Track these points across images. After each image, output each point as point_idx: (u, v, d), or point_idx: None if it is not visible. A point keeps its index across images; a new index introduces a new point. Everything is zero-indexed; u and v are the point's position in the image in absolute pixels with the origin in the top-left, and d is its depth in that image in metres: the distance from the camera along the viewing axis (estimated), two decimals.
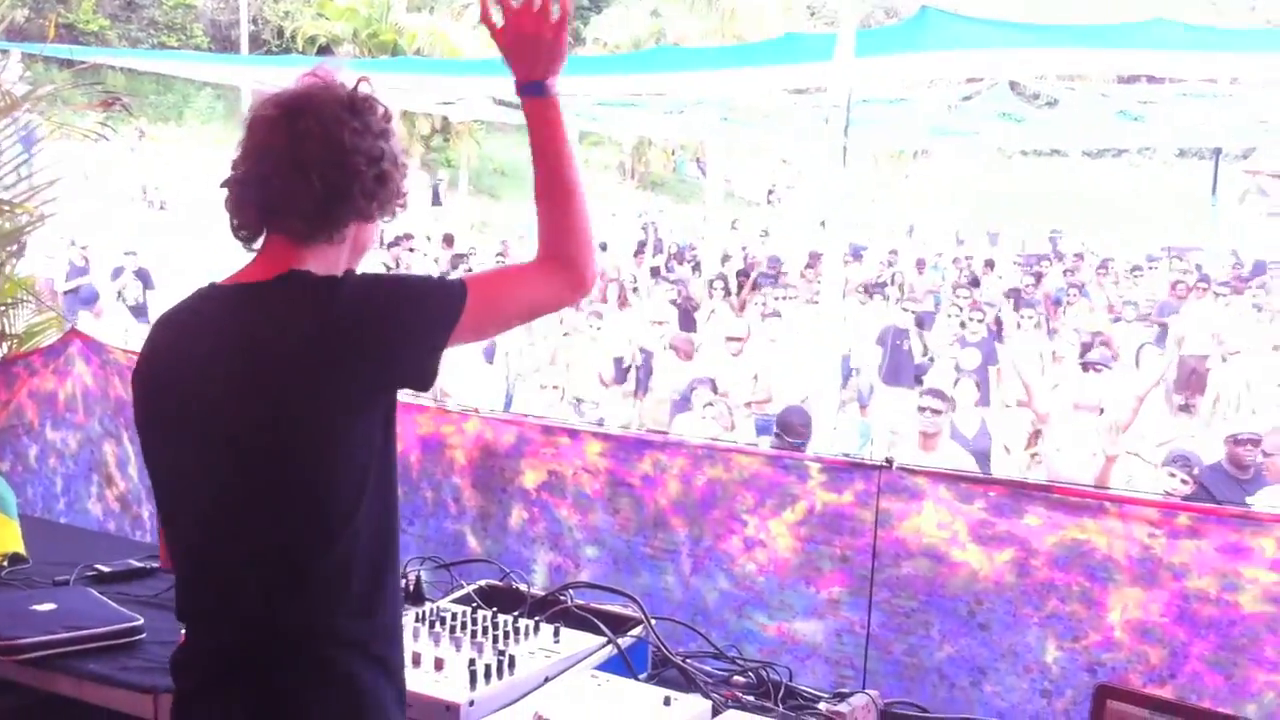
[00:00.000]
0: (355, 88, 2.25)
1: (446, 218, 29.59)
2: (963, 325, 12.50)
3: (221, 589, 2.19)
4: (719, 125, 16.65)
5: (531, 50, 2.36)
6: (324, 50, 31.72)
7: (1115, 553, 3.48)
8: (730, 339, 11.48)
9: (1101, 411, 8.12)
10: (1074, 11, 24.54)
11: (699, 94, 14.06)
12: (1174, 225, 30.74)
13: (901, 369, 12.56)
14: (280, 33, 34.69)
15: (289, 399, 2.09)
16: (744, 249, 25.31)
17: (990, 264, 22.30)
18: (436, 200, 31.68)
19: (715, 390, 9.32)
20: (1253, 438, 7.44)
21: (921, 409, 7.47)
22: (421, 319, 2.16)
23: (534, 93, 2.38)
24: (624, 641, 3.22)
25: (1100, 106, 13.74)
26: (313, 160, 2.15)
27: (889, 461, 3.84)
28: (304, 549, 2.13)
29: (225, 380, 2.13)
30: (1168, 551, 3.42)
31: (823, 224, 9.26)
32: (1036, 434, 9.44)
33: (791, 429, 7.78)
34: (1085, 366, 10.31)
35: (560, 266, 2.29)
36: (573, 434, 4.41)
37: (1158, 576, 3.43)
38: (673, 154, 39.30)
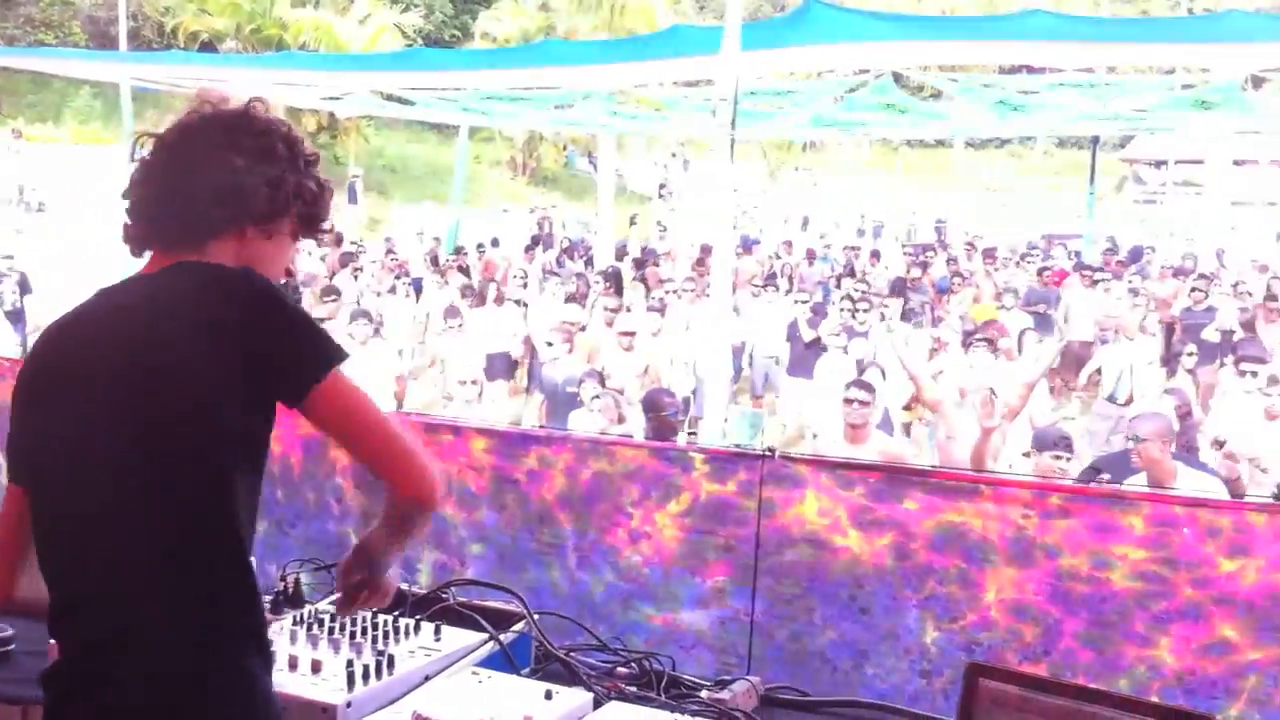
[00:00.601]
0: (242, 110, 2.31)
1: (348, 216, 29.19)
2: (852, 316, 12.66)
3: (102, 579, 2.13)
4: (609, 119, 16.64)
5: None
6: (206, 46, 31.08)
7: (991, 534, 3.56)
8: (621, 333, 11.48)
9: (993, 399, 8.24)
10: (956, 3, 24.97)
11: (588, 88, 14.03)
12: (1055, 213, 31.40)
13: (802, 360, 12.68)
14: (161, 29, 33.92)
15: (177, 382, 2.08)
16: (643, 244, 25.40)
17: (876, 255, 22.63)
18: (353, 199, 31.18)
19: (604, 384, 9.31)
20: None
21: (848, 400, 7.50)
22: (311, 348, 2.15)
23: None
24: (506, 637, 3.20)
25: (982, 97, 13.94)
26: (188, 185, 2.23)
27: (771, 451, 3.88)
28: (189, 536, 2.10)
29: (113, 363, 2.11)
30: (1041, 532, 3.50)
31: (714, 217, 9.30)
32: (915, 399, 9.64)
33: (659, 405, 7.80)
34: (967, 346, 10.48)
35: (418, 479, 2.19)
36: (456, 430, 4.38)
37: (1032, 556, 3.52)
38: (564, 149, 39.21)
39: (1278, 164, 46.42)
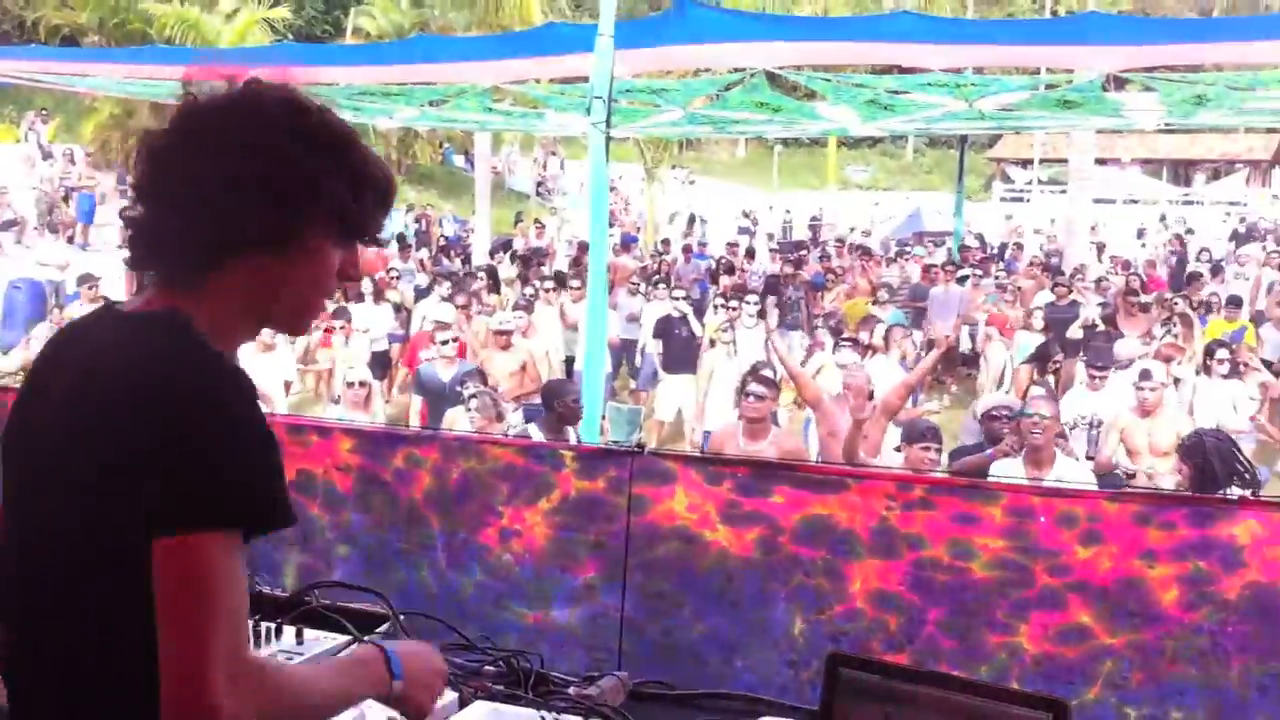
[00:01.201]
0: (233, 97, 1.85)
1: None
2: (729, 313, 12.76)
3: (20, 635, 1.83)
4: (484, 116, 16.51)
5: None
6: (68, 41, 30.17)
7: (856, 526, 3.60)
8: (496, 332, 11.42)
9: (871, 395, 8.35)
10: (830, 4, 25.30)
11: (463, 84, 13.91)
12: (926, 211, 32.08)
13: (681, 357, 12.73)
14: (21, 24, 32.86)
15: (91, 458, 1.69)
16: (524, 240, 25.34)
17: (751, 253, 22.87)
18: None
19: (485, 382, 9.26)
20: (1006, 412, 7.76)
21: (748, 394, 7.52)
22: (204, 491, 1.64)
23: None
24: (370, 639, 3.16)
25: (854, 97, 14.12)
26: (166, 209, 1.81)
27: (640, 447, 3.89)
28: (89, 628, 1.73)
29: (57, 424, 1.77)
30: (903, 523, 3.56)
31: (593, 215, 9.31)
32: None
33: (562, 393, 7.80)
34: (837, 345, 10.64)
35: (189, 703, 1.60)
36: (322, 431, 4.31)
37: (895, 547, 3.57)
38: (440, 146, 38.88)
39: (1138, 162, 48.05)
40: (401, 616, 3.35)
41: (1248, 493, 6.14)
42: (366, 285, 14.68)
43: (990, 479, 4.09)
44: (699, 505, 3.76)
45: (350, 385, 9.05)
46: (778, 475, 3.71)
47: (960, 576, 3.50)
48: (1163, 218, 36.75)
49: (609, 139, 9.46)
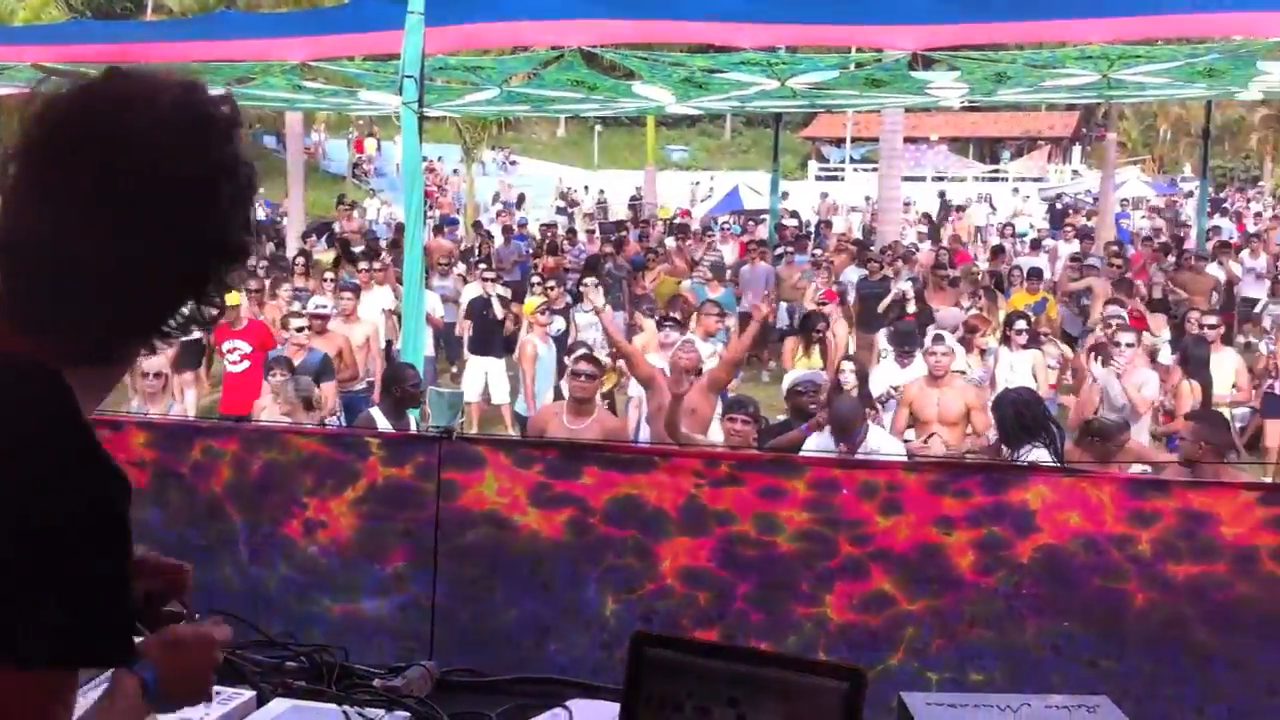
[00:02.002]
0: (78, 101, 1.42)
1: None
2: (547, 294, 12.73)
3: None
4: (293, 95, 16.08)
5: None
6: None
7: (665, 504, 3.61)
8: (314, 317, 11.15)
9: (699, 371, 8.40)
10: None
11: (269, 62, 13.52)
12: (744, 190, 32.51)
13: (486, 338, 12.63)
14: None
15: None
16: (338, 223, 24.80)
17: (572, 233, 22.87)
18: None
19: (293, 370, 9.02)
20: (810, 387, 7.93)
21: (575, 374, 7.48)
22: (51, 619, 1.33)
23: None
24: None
25: (670, 76, 14.18)
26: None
27: (448, 432, 3.83)
28: None
29: None
30: (712, 499, 3.58)
31: (407, 197, 9.16)
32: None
33: (402, 378, 7.67)
34: (661, 324, 10.69)
35: None
36: (114, 425, 4.12)
37: (704, 524, 3.59)
38: (251, 127, 37.79)
39: (946, 140, 49.59)
40: (198, 615, 3.23)
41: (1047, 453, 6.44)
42: None
43: (801, 453, 4.16)
44: (509, 489, 3.72)
45: (145, 376, 8.62)
46: (587, 456, 3.70)
47: (767, 550, 3.54)
48: (941, 195, 37.81)
49: (422, 118, 9.31)
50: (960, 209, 31.02)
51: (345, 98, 16.79)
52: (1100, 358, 8.69)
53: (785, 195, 35.56)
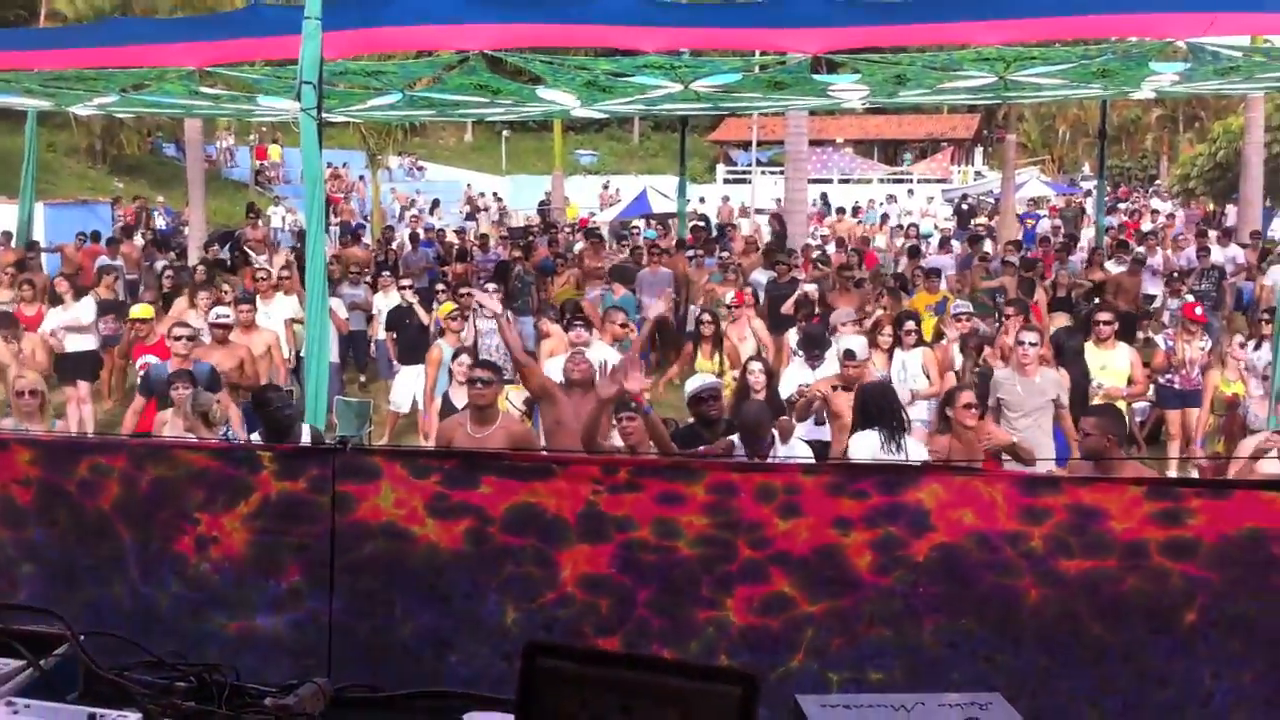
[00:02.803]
0: None
1: None
2: (458, 300, 12.62)
3: None
4: (190, 101, 15.81)
5: None
6: None
7: (564, 512, 3.58)
8: (214, 325, 10.95)
9: (593, 382, 8.33)
10: None
11: (166, 68, 13.29)
12: (652, 194, 32.55)
13: (414, 347, 12.50)
14: None
15: None
16: (237, 231, 24.38)
17: (484, 239, 22.71)
18: None
19: (194, 382, 8.83)
20: (710, 393, 7.86)
21: (473, 382, 7.37)
22: None
23: None
24: (48, 661, 2.94)
25: (574, 80, 14.18)
26: None
27: (343, 443, 3.77)
28: None
29: None
30: (611, 505, 3.55)
31: (308, 204, 9.05)
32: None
33: (264, 402, 7.50)
34: (569, 324, 10.65)
35: None
36: None
37: (603, 530, 3.57)
38: (149, 135, 37.06)
39: (851, 143, 50.14)
40: (82, 637, 3.14)
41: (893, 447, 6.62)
42: (62, 285, 13.87)
43: (695, 457, 4.16)
44: (406, 500, 3.66)
45: (20, 395, 8.33)
46: (484, 465, 3.66)
47: (667, 556, 3.53)
48: (823, 196, 38.04)
49: (322, 125, 9.19)
50: (840, 211, 31.29)
51: (244, 104, 16.54)
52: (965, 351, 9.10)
53: (703, 200, 35.79)
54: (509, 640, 3.62)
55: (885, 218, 32.66)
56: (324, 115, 10.39)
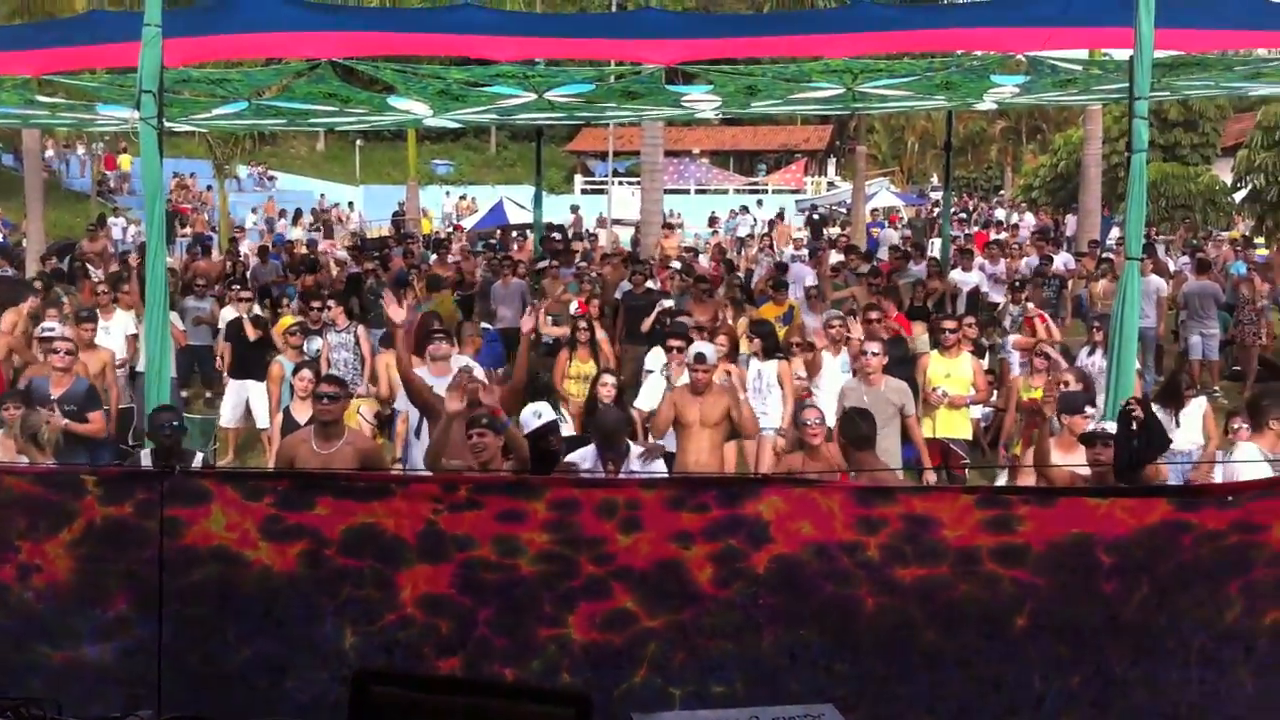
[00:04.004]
0: None
1: None
2: (305, 313, 12.36)
3: None
4: (26, 110, 15.22)
5: None
6: None
7: (403, 532, 3.52)
8: (40, 339, 10.52)
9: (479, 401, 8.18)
10: None
11: (4, 76, 12.76)
12: (509, 205, 32.38)
13: (249, 361, 12.18)
14: None
15: None
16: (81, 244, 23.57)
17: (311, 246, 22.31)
18: None
19: (27, 402, 8.47)
20: (548, 429, 7.68)
21: (319, 398, 7.14)
22: None
23: None
24: None
25: (425, 89, 14.01)
26: None
27: (171, 467, 3.65)
28: None
29: None
30: (451, 524, 3.50)
31: (148, 215, 8.75)
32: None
33: (159, 424, 7.22)
34: (430, 335, 10.49)
35: None
36: None
37: (444, 550, 3.51)
38: None
39: (707, 153, 50.63)
40: None
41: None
42: None
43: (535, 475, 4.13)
44: (238, 523, 3.56)
45: None
46: (320, 485, 3.57)
47: (509, 574, 3.49)
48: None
49: (162, 134, 8.93)
50: (668, 226, 31.30)
51: (84, 113, 15.98)
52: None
53: (576, 208, 35.79)
54: (348, 664, 3.54)
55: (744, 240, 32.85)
56: (166, 124, 10.10)
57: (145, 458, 7.33)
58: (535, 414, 7.11)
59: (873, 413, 7.59)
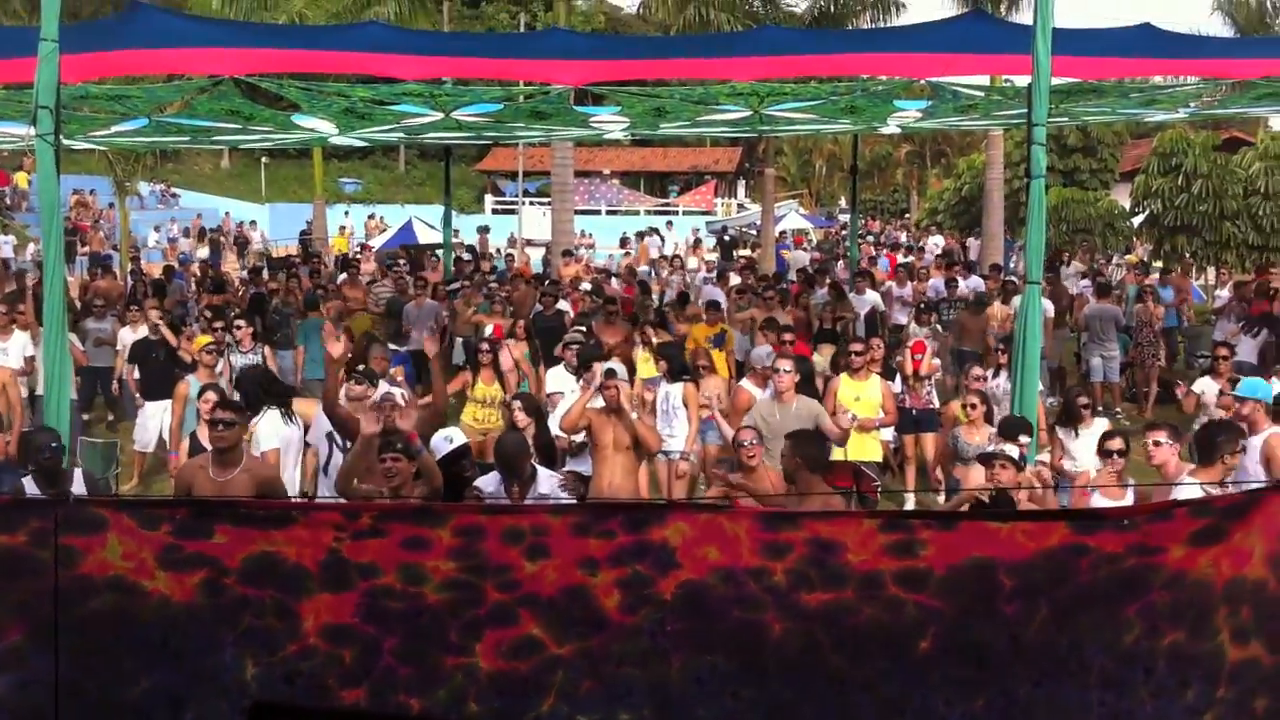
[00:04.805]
0: None
1: None
2: (215, 333, 12.13)
3: None
4: None
5: None
6: None
7: (305, 560, 3.46)
8: None
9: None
10: (306, 13, 24.87)
11: None
12: (418, 225, 32.17)
13: (160, 382, 11.92)
14: None
15: None
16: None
17: (257, 271, 21.97)
18: None
19: None
20: (461, 453, 7.61)
21: (214, 424, 6.92)
22: None
23: None
24: None
25: (330, 106, 13.89)
26: None
27: (65, 495, 3.56)
28: None
29: None
30: (354, 552, 3.46)
31: (44, 234, 8.56)
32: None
33: (38, 447, 6.97)
34: (348, 373, 10.36)
35: None
36: None
37: (347, 578, 3.46)
38: None
39: (618, 174, 50.78)
40: None
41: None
42: None
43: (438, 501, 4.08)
44: (135, 552, 3.48)
45: None
46: (219, 513, 3.50)
47: (414, 602, 3.45)
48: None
49: (59, 150, 8.74)
50: (567, 253, 31.21)
51: None
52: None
53: (487, 229, 35.59)
54: (248, 695, 3.48)
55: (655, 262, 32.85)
56: (65, 142, 9.90)
57: (80, 483, 7.08)
58: (446, 439, 7.04)
59: (784, 429, 7.61)
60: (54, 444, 6.86)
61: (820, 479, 6.42)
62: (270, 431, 8.21)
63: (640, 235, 34.72)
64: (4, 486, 7.68)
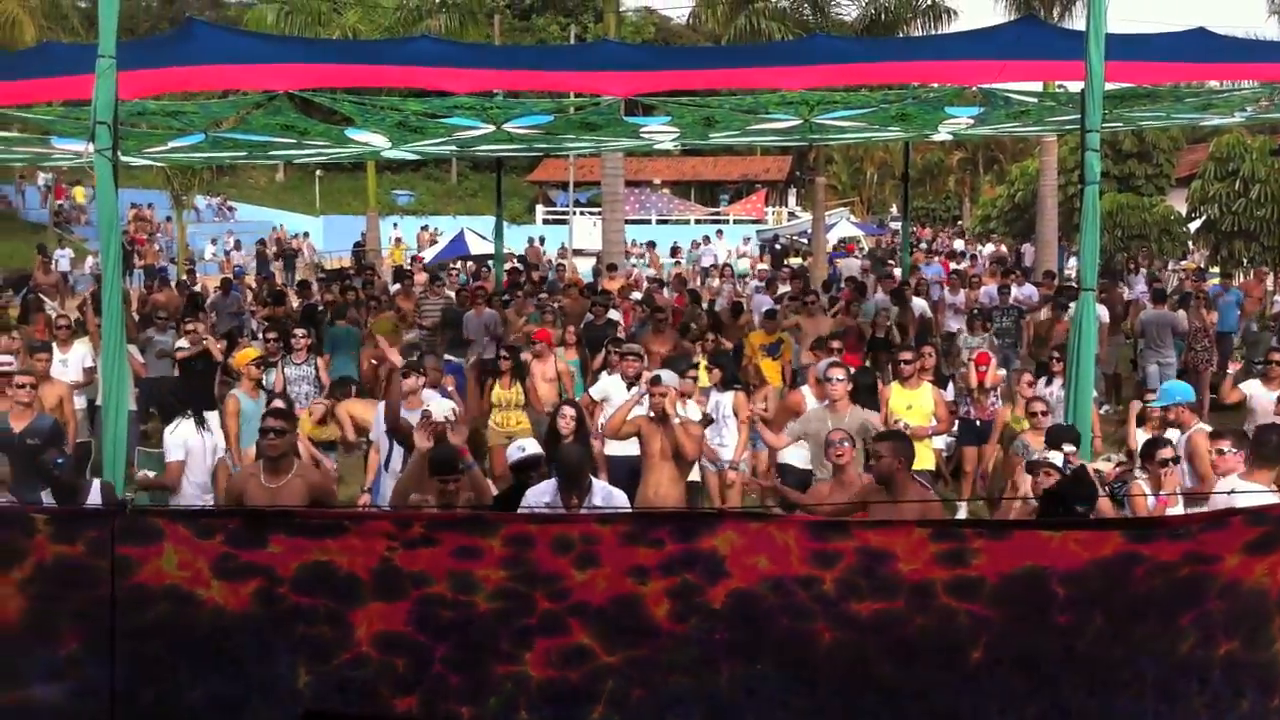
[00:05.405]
0: None
1: None
2: (267, 345, 12.26)
3: None
4: None
5: None
6: None
7: (358, 569, 3.49)
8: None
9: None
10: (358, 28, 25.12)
11: None
12: (470, 235, 32.39)
13: (201, 393, 12.07)
14: None
15: None
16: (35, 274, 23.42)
17: (306, 286, 22.18)
18: None
19: None
20: (532, 462, 7.67)
21: (265, 432, 7.04)
22: None
23: None
24: None
25: (383, 120, 14.02)
26: None
27: (123, 506, 3.61)
28: None
29: None
30: (406, 561, 3.48)
31: (103, 248, 8.69)
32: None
33: (43, 468, 7.08)
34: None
35: None
36: None
37: (400, 587, 3.49)
38: None
39: (668, 184, 50.84)
40: None
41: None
42: None
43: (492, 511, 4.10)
44: (190, 562, 3.53)
45: None
46: (273, 523, 3.54)
47: (465, 611, 3.47)
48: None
49: (116, 166, 8.88)
50: (612, 266, 31.16)
51: (39, 146, 15.85)
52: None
53: (542, 239, 35.74)
54: (302, 703, 3.51)
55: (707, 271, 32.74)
56: (122, 158, 10.02)
57: (95, 493, 7.20)
58: (520, 448, 7.13)
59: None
60: (58, 459, 6.98)
61: (919, 481, 6.36)
62: (176, 442, 8.33)
63: (650, 245, 34.65)
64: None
